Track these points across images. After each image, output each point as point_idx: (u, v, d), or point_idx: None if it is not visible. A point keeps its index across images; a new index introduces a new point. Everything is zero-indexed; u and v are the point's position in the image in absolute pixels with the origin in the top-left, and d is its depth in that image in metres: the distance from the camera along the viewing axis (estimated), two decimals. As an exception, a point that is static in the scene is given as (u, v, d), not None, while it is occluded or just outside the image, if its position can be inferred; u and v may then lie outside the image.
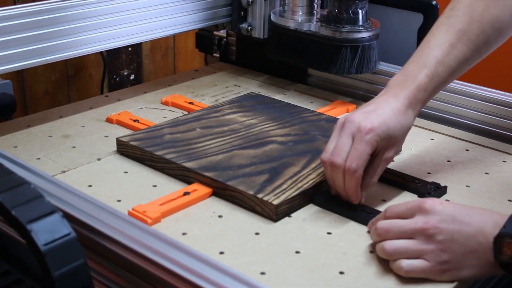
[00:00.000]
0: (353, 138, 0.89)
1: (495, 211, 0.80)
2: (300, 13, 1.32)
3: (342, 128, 0.91)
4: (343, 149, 0.89)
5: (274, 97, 1.31)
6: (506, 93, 1.19)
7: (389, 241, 0.80)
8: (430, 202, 0.80)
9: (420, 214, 0.79)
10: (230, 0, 1.42)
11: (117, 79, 1.82)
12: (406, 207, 0.82)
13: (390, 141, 0.91)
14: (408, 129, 0.94)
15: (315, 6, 1.33)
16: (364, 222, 0.89)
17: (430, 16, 1.35)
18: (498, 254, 0.74)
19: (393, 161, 1.08)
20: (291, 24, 1.32)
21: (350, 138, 0.89)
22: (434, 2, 1.34)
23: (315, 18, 1.32)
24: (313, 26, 1.29)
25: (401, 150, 1.11)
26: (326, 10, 1.30)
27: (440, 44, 0.96)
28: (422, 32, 1.41)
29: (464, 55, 0.97)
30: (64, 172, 1.01)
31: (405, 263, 0.78)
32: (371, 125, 0.88)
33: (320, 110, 1.25)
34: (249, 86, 1.40)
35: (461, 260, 0.76)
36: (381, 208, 0.93)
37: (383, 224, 0.81)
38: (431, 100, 1.23)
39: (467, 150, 1.14)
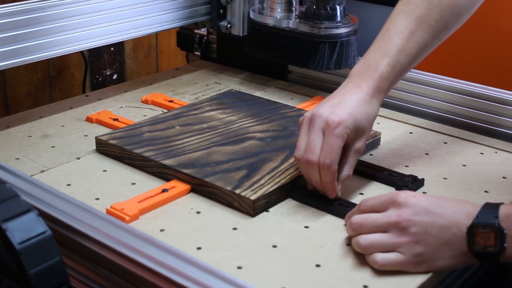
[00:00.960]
0: (324, 133, 0.89)
1: (468, 201, 0.81)
2: (279, 10, 1.33)
3: (311, 123, 0.91)
4: (315, 146, 0.89)
5: (254, 94, 1.32)
6: (483, 86, 1.20)
7: (364, 235, 0.80)
8: (403, 195, 0.80)
9: (394, 207, 0.80)
10: (209, -2, 1.43)
11: (100, 79, 1.82)
12: (379, 200, 0.82)
13: (359, 132, 0.92)
14: (374, 118, 0.95)
15: (294, 2, 1.34)
16: (341, 215, 0.90)
17: (408, 10, 1.36)
18: (471, 244, 0.75)
19: (371, 154, 1.09)
20: (270, 21, 1.32)
21: (320, 133, 0.89)
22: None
23: (293, 14, 1.33)
24: (292, 23, 1.29)
25: (379, 144, 1.12)
26: (305, 6, 1.30)
27: (400, 32, 0.96)
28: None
29: (424, 41, 0.97)
30: (43, 171, 1.02)
31: (380, 257, 0.79)
32: (339, 118, 0.89)
33: (300, 106, 1.26)
34: (230, 84, 1.40)
35: (435, 251, 0.77)
36: (359, 201, 0.92)
37: (357, 218, 0.82)
38: (410, 94, 1.26)
39: (445, 143, 1.15)
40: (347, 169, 0.92)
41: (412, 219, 0.78)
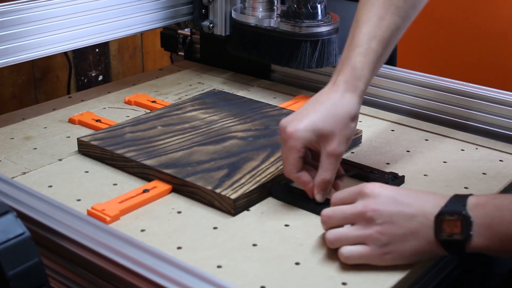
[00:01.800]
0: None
1: (438, 193, 0.80)
2: (261, 9, 1.34)
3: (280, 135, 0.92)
4: (285, 159, 0.91)
5: (237, 93, 1.32)
6: (464, 83, 1.21)
7: (331, 230, 0.81)
8: (370, 186, 0.80)
9: (361, 199, 0.80)
10: (192, -2, 1.43)
11: (85, 81, 1.82)
12: (348, 192, 0.82)
13: (325, 136, 0.89)
14: (349, 114, 0.91)
15: (275, 2, 1.35)
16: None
17: (390, 9, 1.36)
18: (438, 232, 0.75)
19: (353, 152, 1.10)
20: (251, 21, 1.33)
21: (283, 144, 0.91)
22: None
23: (275, 14, 1.33)
24: (273, 22, 1.30)
25: (361, 141, 1.13)
26: (286, 5, 1.31)
27: (368, 20, 0.94)
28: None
29: (395, 24, 0.95)
30: (24, 173, 1.02)
31: (345, 249, 0.79)
32: (293, 129, 0.88)
33: (283, 105, 1.26)
34: (213, 83, 1.41)
35: (401, 241, 0.77)
36: (339, 199, 0.94)
37: (326, 211, 0.82)
38: (392, 92, 1.26)
39: (427, 140, 1.15)
40: (321, 174, 0.90)
41: (378, 208, 0.78)
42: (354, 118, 0.92)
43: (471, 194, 0.77)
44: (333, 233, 0.80)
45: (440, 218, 0.75)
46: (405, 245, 0.77)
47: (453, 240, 0.75)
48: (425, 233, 0.76)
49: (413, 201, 0.78)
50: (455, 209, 0.75)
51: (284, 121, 0.91)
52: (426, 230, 0.76)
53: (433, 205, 0.77)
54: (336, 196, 0.84)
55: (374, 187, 0.80)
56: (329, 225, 0.82)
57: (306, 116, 0.90)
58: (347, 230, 0.80)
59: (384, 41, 0.94)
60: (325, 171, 0.90)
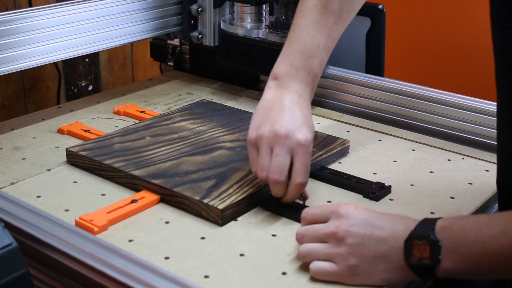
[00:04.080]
0: (292, 153, 0.91)
1: (410, 217, 0.80)
2: (249, 20, 1.35)
3: (276, 143, 0.91)
4: (284, 167, 0.90)
5: (226, 104, 1.33)
6: (449, 93, 1.22)
7: (304, 244, 0.81)
8: (345, 206, 0.81)
9: (334, 218, 0.80)
10: (180, 9, 1.44)
11: (75, 90, 1.82)
12: (322, 210, 0.83)
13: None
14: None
15: (264, 13, 1.35)
16: (308, 223, 0.91)
17: (377, 20, 1.38)
18: (408, 256, 0.75)
19: (340, 162, 1.10)
20: (240, 31, 1.34)
21: (289, 154, 0.91)
22: (380, 6, 1.37)
23: (263, 25, 1.34)
24: (262, 33, 1.31)
25: (348, 152, 1.14)
26: (274, 16, 1.32)
27: (320, 29, 0.98)
28: (370, 36, 1.44)
29: (338, 34, 1.01)
30: (13, 184, 1.02)
31: (314, 265, 0.79)
32: (306, 137, 0.92)
33: (271, 115, 1.27)
34: (202, 94, 1.41)
35: (371, 264, 0.77)
36: (326, 209, 0.94)
37: (300, 229, 0.83)
38: (379, 103, 1.27)
39: (413, 150, 1.16)
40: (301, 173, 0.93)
41: (350, 230, 0.78)
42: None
43: (439, 218, 0.77)
44: (305, 247, 0.81)
45: (410, 242, 0.75)
46: (375, 268, 0.77)
47: (422, 264, 0.74)
48: (395, 257, 0.76)
49: (385, 224, 0.78)
50: (423, 233, 0.75)
51: (284, 130, 0.91)
52: (396, 254, 0.76)
53: (404, 229, 0.77)
54: (307, 212, 0.84)
55: (348, 208, 0.81)
56: (303, 243, 0.82)
57: (305, 123, 0.93)
58: (318, 247, 0.80)
59: (330, 51, 1.01)
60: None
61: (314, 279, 0.80)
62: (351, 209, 0.80)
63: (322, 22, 0.98)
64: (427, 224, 0.75)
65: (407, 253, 0.75)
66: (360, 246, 0.77)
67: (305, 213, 0.84)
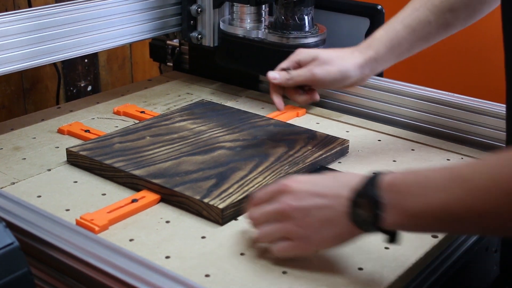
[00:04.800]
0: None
1: (355, 175, 0.79)
2: (248, 21, 1.35)
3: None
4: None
5: (226, 104, 1.33)
6: (449, 93, 1.23)
7: (259, 227, 0.83)
8: (286, 182, 0.82)
9: (280, 196, 0.81)
10: (180, 9, 1.44)
11: (74, 91, 1.82)
12: (266, 191, 0.84)
13: (319, 60, 1.06)
14: (348, 68, 1.04)
15: (263, 13, 1.36)
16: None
17: (376, 20, 1.38)
18: (352, 216, 0.76)
19: (340, 162, 1.11)
20: (239, 32, 1.34)
21: None
22: (379, 7, 1.37)
23: (263, 25, 1.35)
24: (261, 33, 1.31)
25: (348, 151, 1.14)
26: (274, 17, 1.32)
27: (404, 10, 1.07)
28: (367, 36, 1.44)
29: (426, 17, 1.05)
30: (13, 183, 1.02)
31: (273, 247, 0.82)
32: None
33: (271, 115, 1.27)
34: (202, 94, 1.42)
35: (321, 231, 0.78)
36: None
37: (251, 213, 0.84)
38: (379, 102, 1.27)
39: (413, 149, 1.17)
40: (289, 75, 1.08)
41: (293, 204, 0.80)
42: (349, 74, 1.05)
43: (383, 173, 0.76)
44: (260, 232, 0.83)
45: (354, 201, 0.76)
46: (325, 234, 0.79)
47: (367, 221, 0.75)
48: (341, 218, 0.77)
49: (328, 190, 0.79)
50: (366, 192, 0.75)
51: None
52: (342, 216, 0.77)
53: (347, 190, 0.77)
54: (254, 196, 0.86)
55: (290, 183, 0.81)
56: (257, 225, 0.84)
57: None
58: (271, 228, 0.82)
59: (409, 27, 1.05)
60: (295, 76, 1.06)
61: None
62: (293, 183, 0.81)
63: (409, 5, 1.07)
64: (370, 182, 0.76)
65: (351, 213, 0.76)
66: (306, 217, 0.79)
67: (252, 197, 0.85)
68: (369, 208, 0.74)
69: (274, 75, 1.08)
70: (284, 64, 1.09)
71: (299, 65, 1.07)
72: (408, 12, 1.06)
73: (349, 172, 0.81)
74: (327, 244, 0.80)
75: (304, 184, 0.81)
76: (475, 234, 0.81)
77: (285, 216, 0.80)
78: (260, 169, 1.02)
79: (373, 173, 0.77)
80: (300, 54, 1.08)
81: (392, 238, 0.76)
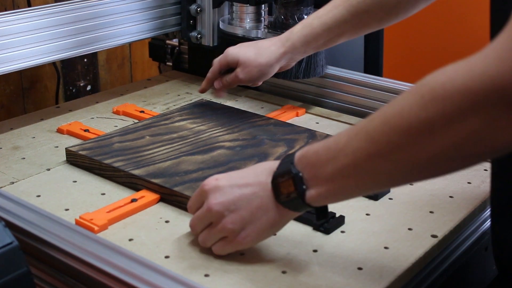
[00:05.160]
0: None
1: (272, 161, 0.82)
2: (248, 20, 1.35)
3: None
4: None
5: (225, 104, 1.33)
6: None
7: (199, 235, 0.84)
8: (206, 182, 0.83)
9: (206, 197, 0.82)
10: (179, 9, 1.44)
11: (74, 90, 1.82)
12: (195, 196, 0.85)
13: (240, 63, 1.18)
14: (267, 61, 1.16)
15: (263, 13, 1.36)
16: (308, 222, 0.91)
17: (376, 20, 1.38)
18: (277, 196, 0.77)
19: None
20: (239, 31, 1.34)
21: None
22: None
23: (262, 25, 1.35)
24: (260, 33, 1.31)
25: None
26: (273, 16, 1.32)
27: (324, 7, 1.13)
28: (369, 36, 1.44)
29: (342, 16, 1.11)
30: (13, 183, 1.02)
31: (213, 248, 0.83)
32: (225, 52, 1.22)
33: (270, 114, 1.27)
34: (201, 94, 1.41)
35: (253, 221, 0.79)
36: (326, 208, 0.95)
37: (190, 223, 0.85)
38: (378, 102, 1.28)
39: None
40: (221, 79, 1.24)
41: (220, 200, 0.80)
42: (267, 70, 1.17)
43: (298, 150, 0.77)
44: (200, 238, 0.84)
45: (275, 183, 0.77)
46: (258, 223, 0.79)
47: (292, 199, 0.76)
48: (269, 203, 0.78)
49: (248, 180, 0.80)
50: (284, 170, 0.76)
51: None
52: (268, 201, 0.78)
53: (267, 174, 0.78)
54: (188, 204, 0.86)
55: (210, 182, 0.82)
56: (196, 233, 0.85)
57: (241, 47, 1.18)
58: (207, 233, 0.83)
59: (325, 24, 1.12)
60: (226, 85, 1.22)
61: (315, 277, 0.80)
62: (212, 181, 0.82)
63: (331, 4, 1.13)
64: (287, 160, 0.77)
65: (276, 193, 0.77)
66: (236, 211, 0.79)
67: (188, 206, 0.87)
68: (291, 186, 0.75)
69: (216, 86, 1.24)
70: (216, 66, 1.22)
71: (228, 65, 1.20)
72: (327, 9, 1.12)
73: (268, 161, 0.84)
74: (264, 233, 0.81)
75: (224, 179, 0.82)
76: (392, 184, 0.81)
77: (216, 215, 0.81)
78: (259, 168, 1.02)
79: (286, 155, 0.79)
80: (228, 57, 1.19)
81: (322, 214, 0.78)
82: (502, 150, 0.62)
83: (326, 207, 0.78)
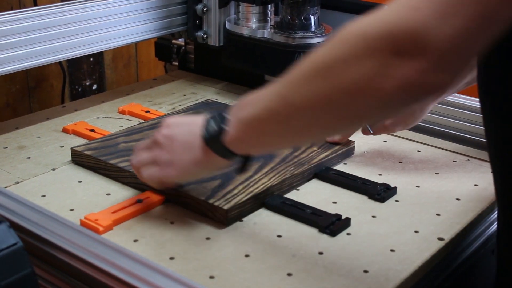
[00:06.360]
0: None
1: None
2: (254, 20, 1.34)
3: None
4: None
5: (231, 104, 1.33)
6: (456, 94, 1.22)
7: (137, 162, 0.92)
8: (165, 119, 0.90)
9: (158, 130, 0.90)
10: (186, 9, 1.44)
11: (79, 90, 1.82)
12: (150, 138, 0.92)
13: None
14: None
15: (269, 13, 1.35)
16: (314, 224, 0.91)
17: (383, 20, 1.37)
18: (203, 135, 0.83)
19: (345, 163, 1.10)
20: (245, 32, 1.34)
21: None
22: (385, 7, 1.36)
23: (269, 25, 1.34)
24: (267, 33, 1.31)
25: (353, 152, 1.14)
26: (280, 16, 1.32)
27: None
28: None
29: None
30: (18, 183, 1.02)
31: (142, 173, 0.91)
32: None
33: (276, 115, 1.27)
34: (207, 94, 1.41)
35: (182, 156, 0.86)
36: (332, 210, 0.94)
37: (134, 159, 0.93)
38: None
39: (419, 151, 1.16)
40: None
41: (164, 133, 0.88)
42: (422, 109, 1.07)
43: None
44: (135, 159, 0.92)
45: (206, 122, 0.84)
46: (183, 157, 0.86)
47: (213, 137, 0.82)
48: (196, 140, 0.84)
49: (195, 119, 0.86)
50: (217, 112, 0.83)
51: None
52: (197, 138, 0.84)
53: (207, 116, 0.85)
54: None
55: (167, 118, 0.90)
56: (140, 166, 0.91)
57: None
58: (143, 155, 0.91)
59: None
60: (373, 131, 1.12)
61: (320, 280, 0.80)
62: (169, 118, 0.90)
63: None
64: (224, 106, 0.82)
65: (202, 131, 0.83)
66: (172, 143, 0.87)
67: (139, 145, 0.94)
68: (216, 124, 0.82)
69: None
70: None
71: None
72: None
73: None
74: (188, 169, 0.86)
75: (178, 118, 0.90)
76: (309, 135, 0.81)
77: (156, 144, 0.89)
78: (265, 170, 1.01)
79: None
80: None
81: (243, 166, 0.85)
82: (389, 100, 0.64)
83: (247, 159, 0.85)
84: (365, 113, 0.68)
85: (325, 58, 0.67)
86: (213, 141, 0.82)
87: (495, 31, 0.61)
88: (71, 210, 0.94)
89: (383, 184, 1.02)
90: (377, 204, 0.98)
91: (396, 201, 0.99)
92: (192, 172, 0.87)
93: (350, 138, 1.14)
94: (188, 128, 0.86)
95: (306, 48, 1.26)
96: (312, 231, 0.90)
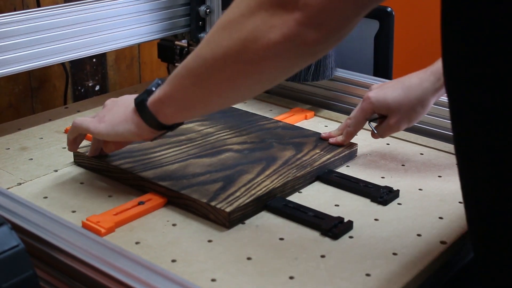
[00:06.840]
0: None
1: None
2: (257, 22, 1.34)
3: None
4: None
5: (233, 106, 1.33)
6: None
7: None
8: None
9: None
10: (189, 10, 1.44)
11: (82, 90, 1.82)
12: None
13: (391, 110, 1.07)
14: (420, 99, 1.05)
15: (272, 15, 1.35)
16: (316, 227, 0.91)
17: (386, 22, 1.38)
18: (135, 99, 0.91)
19: (348, 166, 1.10)
20: (248, 33, 1.33)
21: None
22: (389, 9, 1.37)
23: (272, 26, 1.34)
24: (270, 35, 1.30)
25: (356, 155, 1.13)
26: (283, 18, 1.31)
27: None
28: (378, 39, 1.44)
29: None
30: (20, 184, 1.02)
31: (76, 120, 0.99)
32: (369, 94, 1.09)
33: (279, 117, 1.27)
34: (210, 95, 1.41)
35: (116, 113, 0.95)
36: (334, 213, 0.94)
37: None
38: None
39: (422, 154, 1.16)
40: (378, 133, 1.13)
41: (113, 98, 0.99)
42: (423, 104, 1.05)
43: None
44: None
45: (145, 91, 0.91)
46: (115, 115, 0.94)
47: (142, 98, 0.89)
48: (131, 104, 0.92)
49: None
50: (152, 85, 0.91)
51: (371, 87, 1.10)
52: (131, 102, 0.92)
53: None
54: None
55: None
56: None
57: (385, 89, 1.07)
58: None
59: None
60: (379, 133, 1.10)
61: (322, 284, 0.80)
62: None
63: None
64: (162, 81, 0.89)
65: (136, 98, 0.91)
66: (113, 104, 0.97)
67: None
68: (149, 88, 0.90)
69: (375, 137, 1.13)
70: (360, 116, 1.10)
71: (373, 112, 1.09)
72: None
73: None
74: (115, 125, 0.93)
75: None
76: (224, 91, 0.83)
77: (104, 106, 0.99)
78: (267, 172, 1.01)
79: None
80: (374, 104, 1.07)
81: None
82: (278, 49, 0.71)
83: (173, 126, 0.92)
84: (263, 64, 0.74)
85: (229, 15, 0.75)
86: (141, 103, 0.90)
87: None
88: (73, 211, 0.94)
89: (386, 187, 1.01)
90: (380, 207, 0.98)
91: (399, 204, 0.99)
92: (119, 130, 0.93)
93: (352, 141, 1.14)
94: (131, 97, 0.93)
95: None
96: (314, 234, 0.90)
